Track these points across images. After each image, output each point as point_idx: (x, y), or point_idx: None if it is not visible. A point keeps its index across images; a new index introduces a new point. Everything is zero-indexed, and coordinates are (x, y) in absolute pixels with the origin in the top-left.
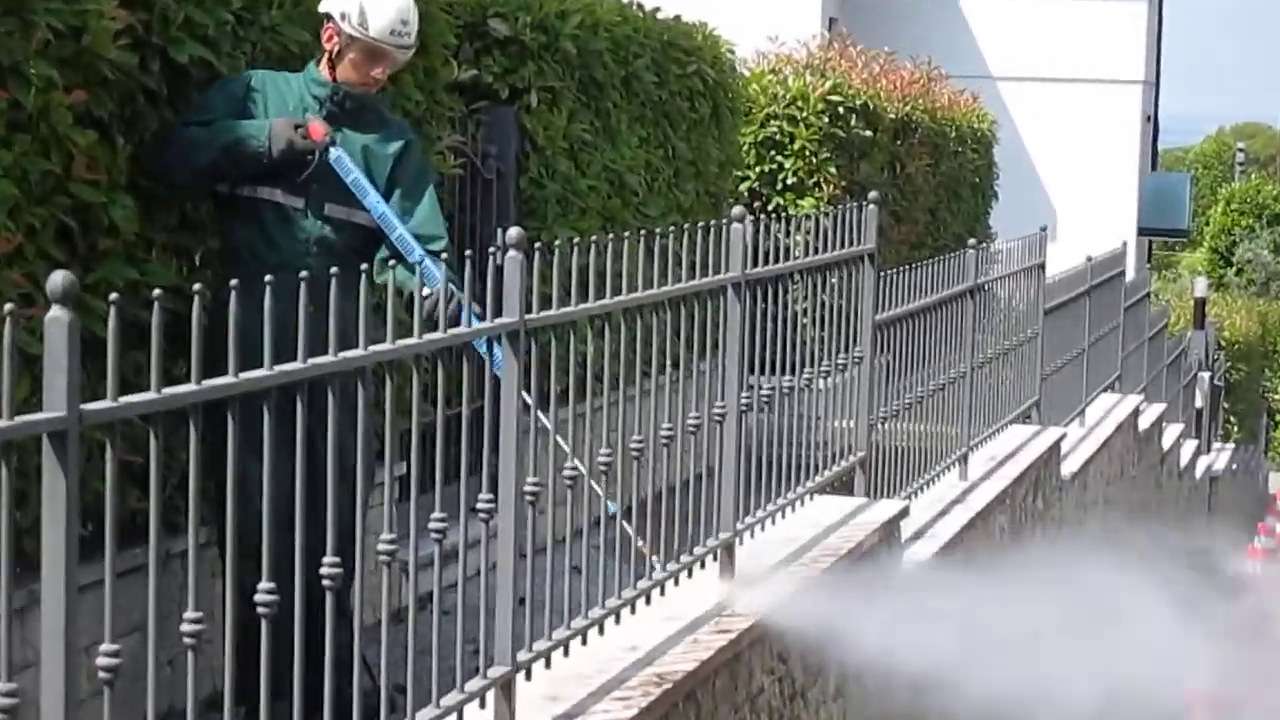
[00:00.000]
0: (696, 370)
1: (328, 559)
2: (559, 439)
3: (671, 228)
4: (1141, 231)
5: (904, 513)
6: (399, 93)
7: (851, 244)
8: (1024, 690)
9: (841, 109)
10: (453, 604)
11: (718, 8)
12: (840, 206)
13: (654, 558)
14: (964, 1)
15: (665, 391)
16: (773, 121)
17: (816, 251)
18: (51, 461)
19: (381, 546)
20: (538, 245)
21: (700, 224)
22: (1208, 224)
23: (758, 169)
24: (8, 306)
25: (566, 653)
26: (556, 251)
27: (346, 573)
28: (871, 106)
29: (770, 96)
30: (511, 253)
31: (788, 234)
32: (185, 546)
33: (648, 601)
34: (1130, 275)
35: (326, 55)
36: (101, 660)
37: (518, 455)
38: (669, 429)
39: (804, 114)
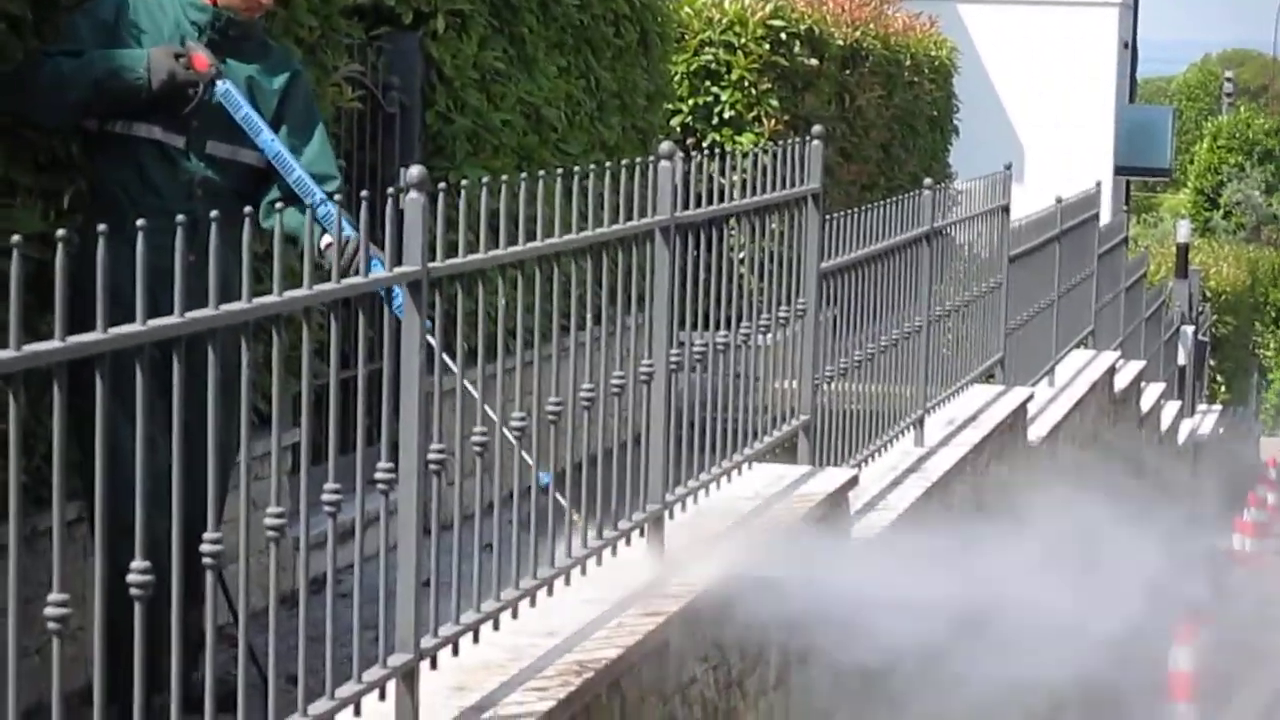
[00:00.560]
0: (621, 325)
1: (208, 534)
2: (486, 407)
3: (594, 167)
4: (1119, 171)
5: (853, 482)
6: (290, 17)
7: (793, 184)
8: (985, 678)
9: (784, 35)
10: (349, 586)
11: None
12: (782, 143)
13: (590, 532)
14: None
15: (587, 349)
16: (707, 49)
17: (754, 192)
18: None
19: (269, 521)
20: (443, 186)
21: (626, 162)
22: (1192, 162)
23: (691, 101)
24: None
25: (476, 639)
26: (464, 193)
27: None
28: (817, 32)
29: (705, 21)
30: (413, 194)
31: (723, 173)
32: (69, 519)
33: (567, 582)
34: (1105, 218)
35: None
36: None
37: (422, 420)
38: (590, 390)
39: (742, 40)
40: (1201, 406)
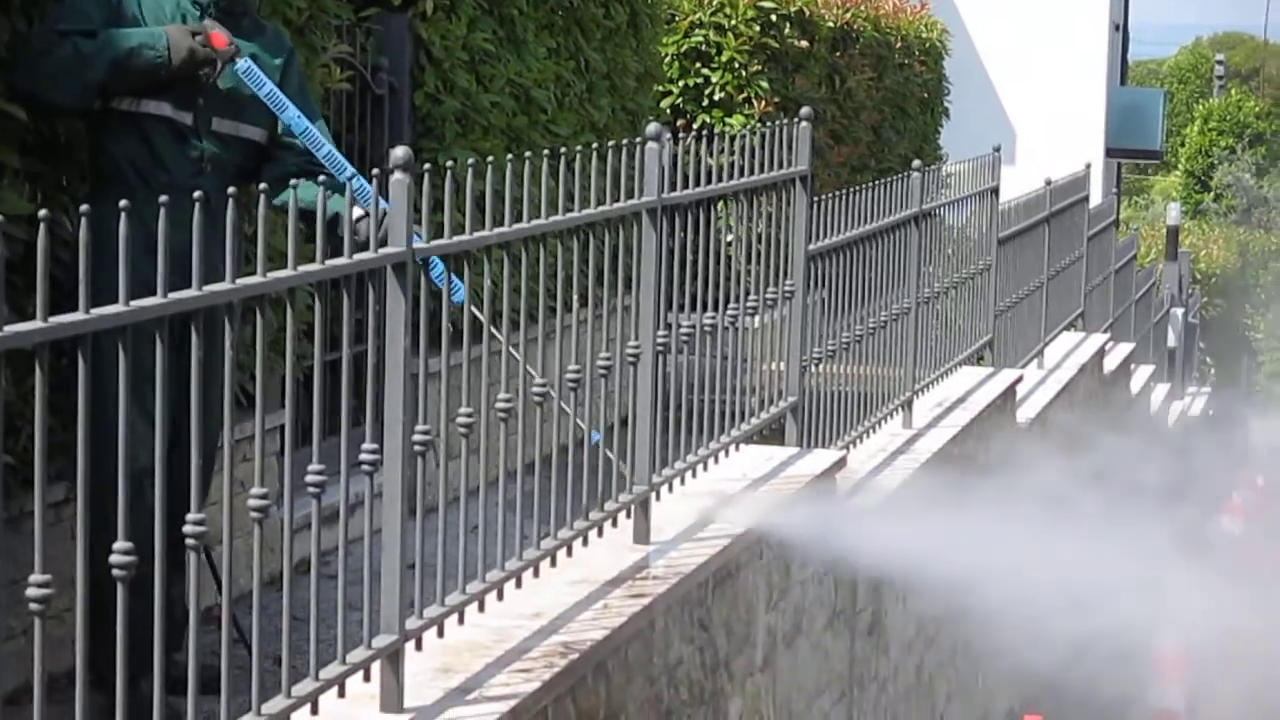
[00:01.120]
0: (607, 307)
1: (191, 515)
2: (524, 365)
3: (580, 148)
4: (1109, 153)
5: (841, 463)
6: None
7: (782, 165)
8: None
9: (774, 16)
10: (336, 568)
11: None
12: (771, 124)
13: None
14: None
15: (573, 330)
16: (698, 30)
17: (742, 174)
18: None
19: (252, 503)
20: (427, 167)
21: (612, 144)
22: (1183, 144)
23: (681, 83)
24: None
25: (461, 620)
26: (448, 174)
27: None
28: (807, 13)
29: (695, 2)
30: (397, 175)
31: (711, 154)
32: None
33: (553, 563)
34: (1095, 200)
35: None
36: None
37: (407, 401)
38: (576, 371)
39: (732, 22)
40: (1191, 388)
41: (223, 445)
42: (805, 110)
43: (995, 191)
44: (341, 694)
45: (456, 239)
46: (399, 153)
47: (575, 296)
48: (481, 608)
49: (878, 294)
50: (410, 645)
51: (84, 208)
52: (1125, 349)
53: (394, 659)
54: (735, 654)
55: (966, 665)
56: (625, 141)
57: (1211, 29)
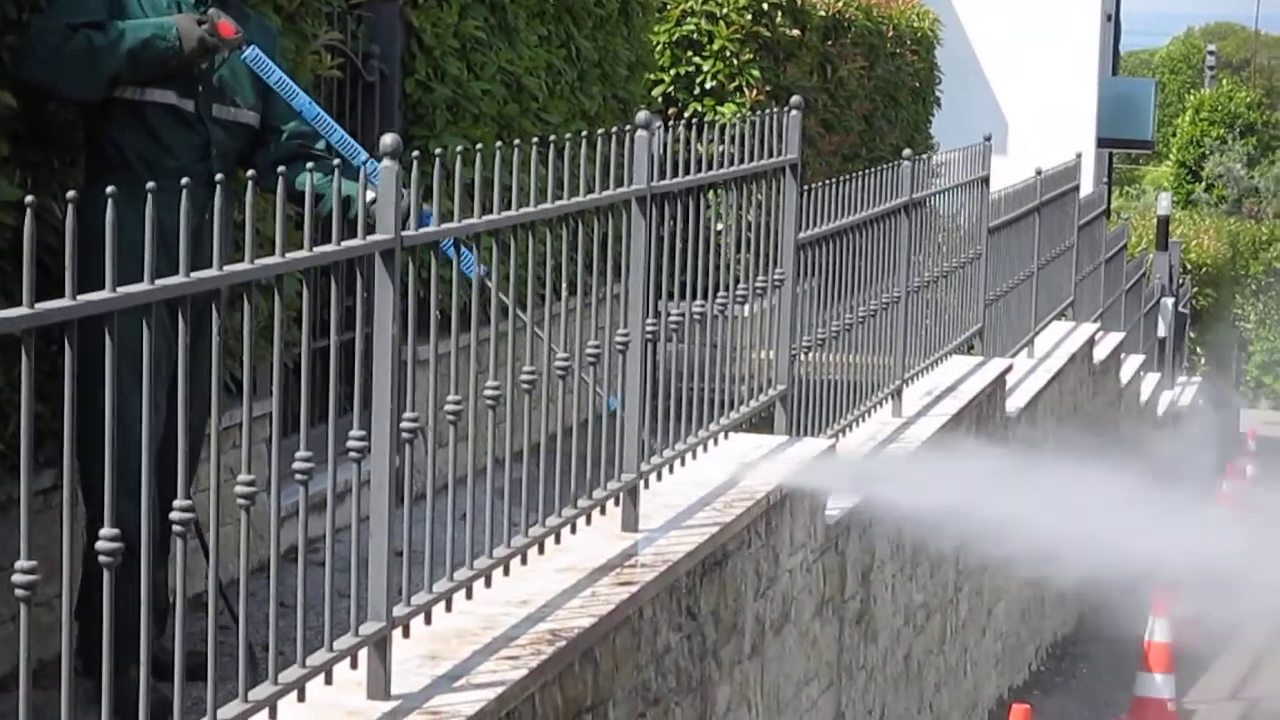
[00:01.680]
0: (596, 296)
1: (179, 502)
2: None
3: (570, 136)
4: (1101, 143)
5: (830, 452)
6: None
7: (773, 154)
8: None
9: (766, 5)
10: (322, 554)
11: None
12: (761, 112)
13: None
14: None
15: (562, 319)
16: (689, 19)
17: (733, 162)
18: None
19: (240, 489)
20: (415, 154)
21: (601, 131)
22: (1174, 135)
23: (673, 71)
24: None
25: (449, 607)
26: (437, 161)
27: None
28: (799, 2)
29: None
30: (386, 161)
31: (701, 142)
32: (45, 486)
33: (541, 551)
34: (1086, 190)
35: None
36: None
37: (396, 388)
38: (565, 359)
39: (724, 10)
40: (1181, 378)
41: (210, 432)
42: (796, 99)
43: (986, 181)
44: (329, 681)
45: (445, 225)
46: (388, 140)
47: (565, 284)
48: (469, 595)
49: (868, 283)
50: (398, 632)
51: (70, 194)
52: (1115, 338)
53: (381, 646)
54: (723, 642)
55: (955, 653)
56: (615, 129)
57: (1203, 19)
